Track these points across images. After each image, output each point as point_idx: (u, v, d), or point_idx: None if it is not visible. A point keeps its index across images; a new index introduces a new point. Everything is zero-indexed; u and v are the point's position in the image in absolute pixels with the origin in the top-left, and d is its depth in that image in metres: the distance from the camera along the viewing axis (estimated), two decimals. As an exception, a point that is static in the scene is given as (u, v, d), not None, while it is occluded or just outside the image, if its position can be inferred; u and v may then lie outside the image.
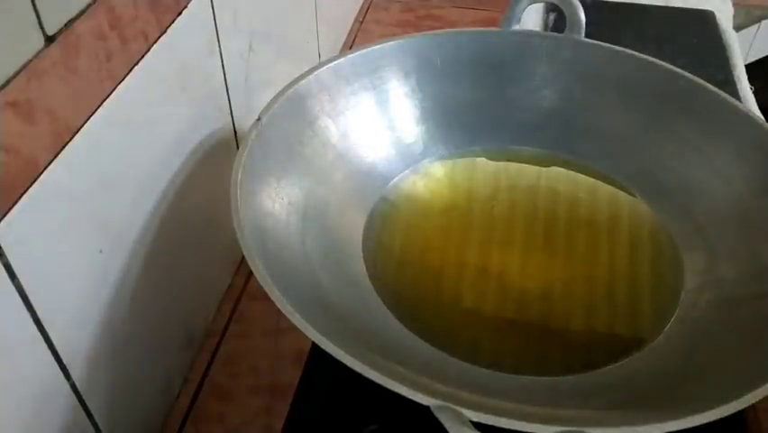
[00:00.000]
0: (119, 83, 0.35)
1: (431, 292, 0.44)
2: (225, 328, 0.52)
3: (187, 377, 0.49)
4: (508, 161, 0.52)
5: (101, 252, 0.36)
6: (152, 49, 0.38)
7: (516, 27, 0.52)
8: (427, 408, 0.29)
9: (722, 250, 0.44)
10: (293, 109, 0.44)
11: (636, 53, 0.50)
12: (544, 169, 0.52)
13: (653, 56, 0.50)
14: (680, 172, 0.48)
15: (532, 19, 0.73)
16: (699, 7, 0.76)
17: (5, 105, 0.28)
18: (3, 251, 0.29)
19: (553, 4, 0.51)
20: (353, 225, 0.46)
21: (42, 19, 0.29)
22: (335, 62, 0.47)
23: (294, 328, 0.31)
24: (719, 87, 0.47)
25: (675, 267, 0.45)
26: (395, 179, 0.49)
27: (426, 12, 0.88)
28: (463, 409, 0.29)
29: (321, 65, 0.46)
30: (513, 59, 0.52)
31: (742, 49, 0.72)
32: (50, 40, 0.30)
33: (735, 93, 0.64)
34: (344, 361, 0.30)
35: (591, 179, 0.51)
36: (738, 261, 0.43)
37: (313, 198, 0.44)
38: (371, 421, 0.38)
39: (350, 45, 0.83)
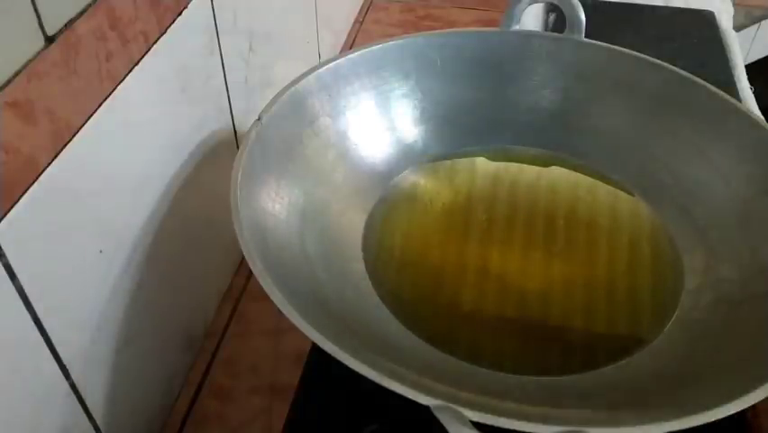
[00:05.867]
0: (119, 83, 0.35)
1: (431, 292, 0.44)
2: (225, 329, 0.52)
3: (187, 377, 0.49)
4: (508, 161, 0.52)
5: (101, 252, 0.36)
6: (152, 49, 0.38)
7: (516, 27, 0.52)
8: (427, 408, 0.29)
9: (722, 250, 0.44)
10: (293, 109, 0.44)
11: (636, 53, 0.50)
12: (544, 169, 0.52)
13: (653, 56, 0.50)
14: (680, 172, 0.48)
15: (532, 19, 0.72)
16: (699, 7, 0.76)
17: (5, 105, 0.28)
18: (3, 251, 0.29)
19: (552, 4, 0.51)
20: (353, 226, 0.46)
21: (42, 19, 0.29)
22: (335, 62, 0.47)
23: (294, 328, 0.31)
24: (719, 88, 0.47)
25: (675, 267, 0.45)
26: (395, 179, 0.49)
27: (426, 12, 0.88)
28: (463, 409, 0.29)
29: (321, 65, 0.46)
30: (513, 59, 0.52)
31: (742, 49, 0.72)
32: (50, 40, 0.30)
33: (734, 93, 0.64)
34: (344, 361, 0.30)
35: (591, 179, 0.51)
36: (738, 261, 0.42)
37: (313, 198, 0.44)
38: (371, 421, 0.38)
39: (350, 45, 0.83)
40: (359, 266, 0.44)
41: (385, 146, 0.50)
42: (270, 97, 0.43)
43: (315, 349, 0.40)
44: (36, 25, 0.29)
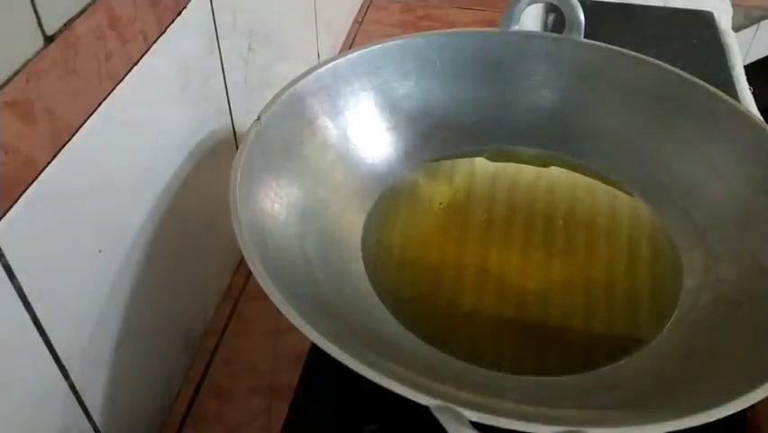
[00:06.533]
0: (118, 83, 0.35)
1: (430, 293, 0.44)
2: (225, 328, 0.52)
3: (186, 377, 0.49)
4: (508, 161, 0.52)
5: (100, 252, 0.36)
6: (152, 49, 0.38)
7: (516, 27, 0.52)
8: (427, 408, 0.29)
9: (721, 250, 0.44)
10: (292, 109, 0.44)
11: (636, 53, 0.50)
12: (543, 169, 0.52)
13: (653, 56, 0.50)
14: (679, 172, 0.48)
15: (531, 19, 0.72)
16: (699, 7, 0.76)
17: (5, 104, 0.28)
18: (2, 251, 0.29)
19: (552, 4, 0.51)
20: (353, 226, 0.46)
21: (42, 19, 0.29)
22: (335, 62, 0.47)
23: (293, 328, 0.31)
24: (718, 88, 0.47)
25: (674, 267, 0.45)
26: (394, 180, 0.49)
27: (426, 12, 0.88)
28: (463, 409, 0.29)
29: (320, 65, 0.46)
30: (513, 59, 0.52)
31: (741, 50, 0.72)
32: (49, 40, 0.30)
33: (734, 94, 0.64)
34: (344, 361, 0.30)
35: (591, 180, 0.51)
36: (738, 261, 0.43)
37: (312, 198, 0.44)
38: (371, 421, 0.38)
39: (349, 45, 0.83)
40: (358, 266, 0.44)
41: (384, 146, 0.50)
42: (270, 98, 0.43)
43: (315, 349, 0.40)
44: (35, 25, 0.29)
